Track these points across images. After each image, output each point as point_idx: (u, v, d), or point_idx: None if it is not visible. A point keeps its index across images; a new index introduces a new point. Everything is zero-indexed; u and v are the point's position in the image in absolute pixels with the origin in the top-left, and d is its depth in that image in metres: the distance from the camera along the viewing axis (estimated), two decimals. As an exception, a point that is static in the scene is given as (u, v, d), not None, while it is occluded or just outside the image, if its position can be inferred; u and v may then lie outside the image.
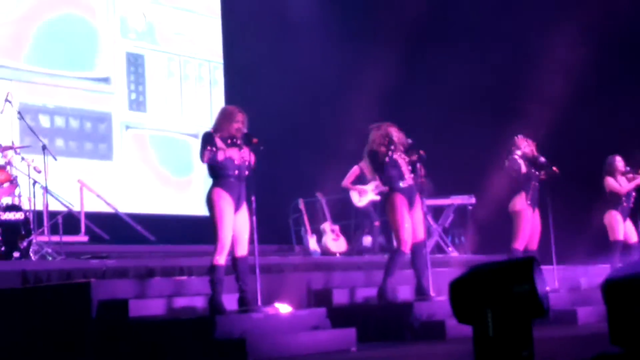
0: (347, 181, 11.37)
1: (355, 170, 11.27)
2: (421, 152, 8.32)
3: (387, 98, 12.33)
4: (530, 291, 3.90)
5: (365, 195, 11.41)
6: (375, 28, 13.31)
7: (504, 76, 12.88)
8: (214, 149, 6.94)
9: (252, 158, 7.14)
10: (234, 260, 7.05)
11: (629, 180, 10.49)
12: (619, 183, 10.45)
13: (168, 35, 12.92)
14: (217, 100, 13.06)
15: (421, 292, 8.15)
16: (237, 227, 7.01)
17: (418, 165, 8.41)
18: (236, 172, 7.01)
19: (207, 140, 7.04)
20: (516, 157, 9.57)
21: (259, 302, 7.13)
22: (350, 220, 12.01)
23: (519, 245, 9.57)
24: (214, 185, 7.03)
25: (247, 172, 7.10)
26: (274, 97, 13.20)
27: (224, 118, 7.14)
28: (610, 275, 4.64)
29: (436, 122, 12.69)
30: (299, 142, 13.28)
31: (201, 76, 13.26)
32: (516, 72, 12.66)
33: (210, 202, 6.99)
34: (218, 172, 7.01)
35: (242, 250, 7.06)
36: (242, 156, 7.05)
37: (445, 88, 13.11)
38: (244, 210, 7.07)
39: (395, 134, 8.24)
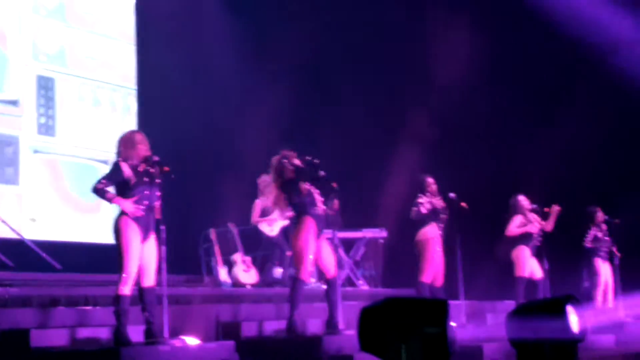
0: (255, 216, 11.42)
1: (257, 204, 11.33)
2: (334, 184, 8.32)
3: (298, 128, 12.38)
4: (441, 334, 3.92)
5: (275, 223, 11.41)
6: (284, 59, 13.40)
7: (411, 108, 13.08)
8: (107, 189, 6.83)
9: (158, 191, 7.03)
10: (140, 290, 6.93)
11: (536, 216, 10.72)
12: (529, 219, 10.68)
13: (80, 60, 12.71)
14: (129, 127, 12.85)
15: (331, 326, 8.13)
16: (144, 257, 6.90)
17: (333, 198, 8.42)
18: (145, 202, 6.90)
19: (112, 172, 6.91)
20: (422, 198, 9.69)
21: (166, 334, 7.01)
22: (262, 252, 11.94)
23: (426, 278, 9.65)
24: (121, 213, 6.91)
25: (156, 202, 6.99)
26: (187, 125, 13.10)
27: (126, 145, 7.01)
28: (511, 328, 4.69)
29: (348, 156, 12.78)
30: (212, 172, 13.18)
31: (113, 102, 13.06)
32: (422, 104, 12.87)
33: (117, 231, 6.86)
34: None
35: (149, 280, 6.95)
36: (154, 185, 6.94)
37: (356, 121, 13.24)
38: (152, 240, 6.96)
39: (295, 160, 8.20)
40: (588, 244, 11.65)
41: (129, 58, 13.38)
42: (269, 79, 13.45)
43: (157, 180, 6.97)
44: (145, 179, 6.91)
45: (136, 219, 6.83)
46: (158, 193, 6.98)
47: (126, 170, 6.89)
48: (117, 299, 6.80)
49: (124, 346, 6.64)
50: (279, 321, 8.80)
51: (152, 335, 6.87)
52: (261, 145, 12.48)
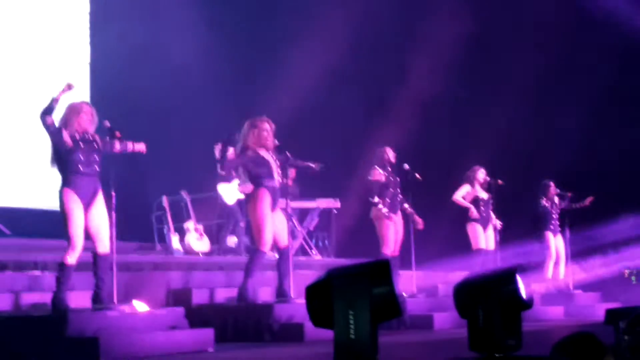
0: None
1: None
2: (288, 154, 8.29)
3: (253, 97, 12.29)
4: (389, 293, 3.93)
5: (233, 193, 11.30)
6: (238, 31, 13.30)
7: (371, 77, 13.07)
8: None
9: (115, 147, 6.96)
10: (94, 256, 6.84)
11: (484, 189, 10.79)
12: (476, 191, 10.74)
13: (29, 28, 12.47)
14: (81, 94, 12.64)
15: (282, 294, 8.12)
16: (92, 223, 6.81)
17: (288, 168, 8.39)
18: (84, 168, 6.80)
19: (59, 141, 6.81)
20: (376, 169, 9.71)
21: (115, 300, 6.96)
22: (215, 221, 11.88)
23: (387, 249, 9.67)
24: (63, 183, 6.80)
25: (98, 168, 6.90)
26: (141, 92, 12.94)
27: (71, 112, 6.91)
28: (460, 296, 4.74)
29: (302, 124, 12.72)
30: (165, 139, 13.03)
31: (63, 68, 12.84)
32: (389, 76, 12.87)
33: (60, 200, 6.77)
34: (66, 169, 6.79)
35: (103, 247, 6.86)
36: (93, 152, 6.85)
37: (311, 88, 13.19)
38: (98, 206, 6.86)
39: (267, 132, 8.13)
40: (541, 207, 11.75)
41: (82, 31, 13.18)
42: (224, 46, 13.35)
43: (96, 147, 6.88)
44: (82, 145, 6.82)
45: (76, 189, 6.75)
46: (99, 157, 6.90)
47: (65, 137, 6.79)
48: (61, 266, 6.75)
49: (60, 312, 6.56)
50: (230, 289, 8.79)
51: (99, 301, 6.79)
52: (215, 113, 12.42)
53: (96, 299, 6.81)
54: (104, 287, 6.83)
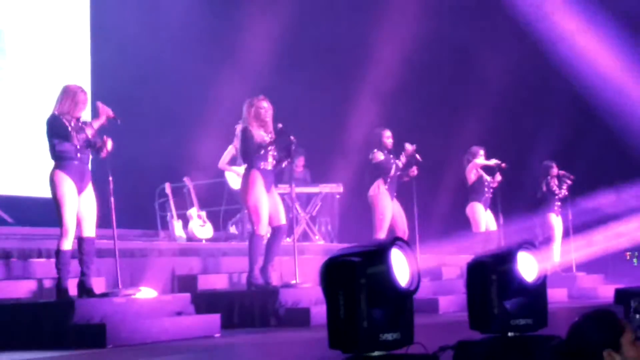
0: (223, 162, 11.18)
1: (230, 150, 11.13)
2: (291, 137, 8.23)
3: (258, 81, 12.22)
4: (384, 273, 3.88)
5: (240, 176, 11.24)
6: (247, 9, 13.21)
7: (368, 60, 13.03)
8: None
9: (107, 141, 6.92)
10: (79, 240, 6.82)
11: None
12: (480, 173, 10.71)
13: (30, 9, 12.41)
14: (81, 77, 12.61)
15: (264, 275, 8.00)
16: (82, 208, 6.79)
17: (295, 153, 8.31)
18: (78, 154, 6.79)
19: (57, 127, 6.79)
20: (375, 151, 9.69)
21: (120, 286, 6.95)
22: (219, 207, 11.84)
23: (381, 234, 9.65)
24: (55, 167, 6.80)
25: (90, 154, 6.89)
26: (142, 76, 12.84)
27: (67, 97, 6.87)
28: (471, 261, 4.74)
29: (307, 108, 12.67)
30: (168, 125, 12.99)
31: (65, 52, 12.79)
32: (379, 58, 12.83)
33: (52, 185, 6.75)
34: (59, 154, 6.78)
35: (89, 231, 6.84)
36: (85, 137, 6.82)
37: (313, 74, 13.13)
38: (88, 191, 6.86)
39: (265, 110, 8.08)
40: (544, 188, 11.72)
41: (82, 12, 13.11)
42: (230, 28, 13.25)
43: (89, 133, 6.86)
44: (82, 134, 6.82)
45: (69, 172, 6.73)
46: (94, 142, 6.89)
47: (65, 123, 6.77)
48: (57, 254, 6.72)
49: (64, 299, 6.54)
50: (235, 275, 8.78)
51: (84, 288, 6.76)
52: (221, 99, 12.33)
53: (81, 285, 6.76)
54: (88, 273, 6.81)
